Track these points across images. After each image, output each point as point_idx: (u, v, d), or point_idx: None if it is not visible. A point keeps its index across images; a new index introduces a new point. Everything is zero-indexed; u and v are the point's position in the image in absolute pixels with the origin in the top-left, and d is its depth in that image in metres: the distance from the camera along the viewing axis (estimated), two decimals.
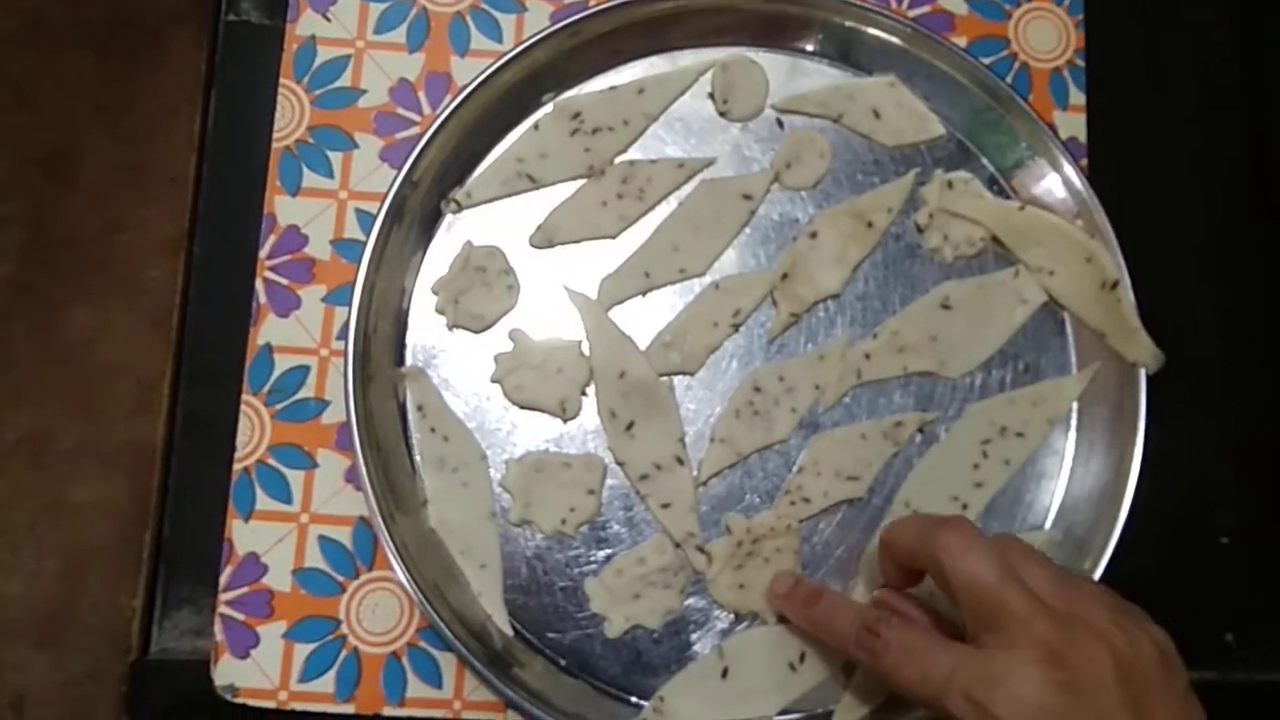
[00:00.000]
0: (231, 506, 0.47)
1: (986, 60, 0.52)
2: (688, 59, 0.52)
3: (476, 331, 0.49)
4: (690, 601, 0.47)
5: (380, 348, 0.48)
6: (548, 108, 0.51)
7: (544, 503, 0.47)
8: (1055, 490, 0.49)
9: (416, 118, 0.50)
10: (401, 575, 0.45)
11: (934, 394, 0.50)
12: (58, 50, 0.52)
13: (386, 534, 0.45)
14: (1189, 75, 0.56)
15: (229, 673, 0.46)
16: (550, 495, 0.48)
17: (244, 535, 0.47)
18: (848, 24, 0.52)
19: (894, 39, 0.52)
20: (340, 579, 0.47)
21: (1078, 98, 0.53)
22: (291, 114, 0.49)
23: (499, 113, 0.51)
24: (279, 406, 0.48)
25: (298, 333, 0.48)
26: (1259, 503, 0.52)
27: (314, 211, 0.49)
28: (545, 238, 0.50)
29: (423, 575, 0.45)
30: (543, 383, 0.49)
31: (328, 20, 0.51)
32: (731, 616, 0.47)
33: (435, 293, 0.49)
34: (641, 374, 0.49)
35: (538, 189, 0.51)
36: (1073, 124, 0.53)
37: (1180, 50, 0.56)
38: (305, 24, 0.50)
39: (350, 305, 0.47)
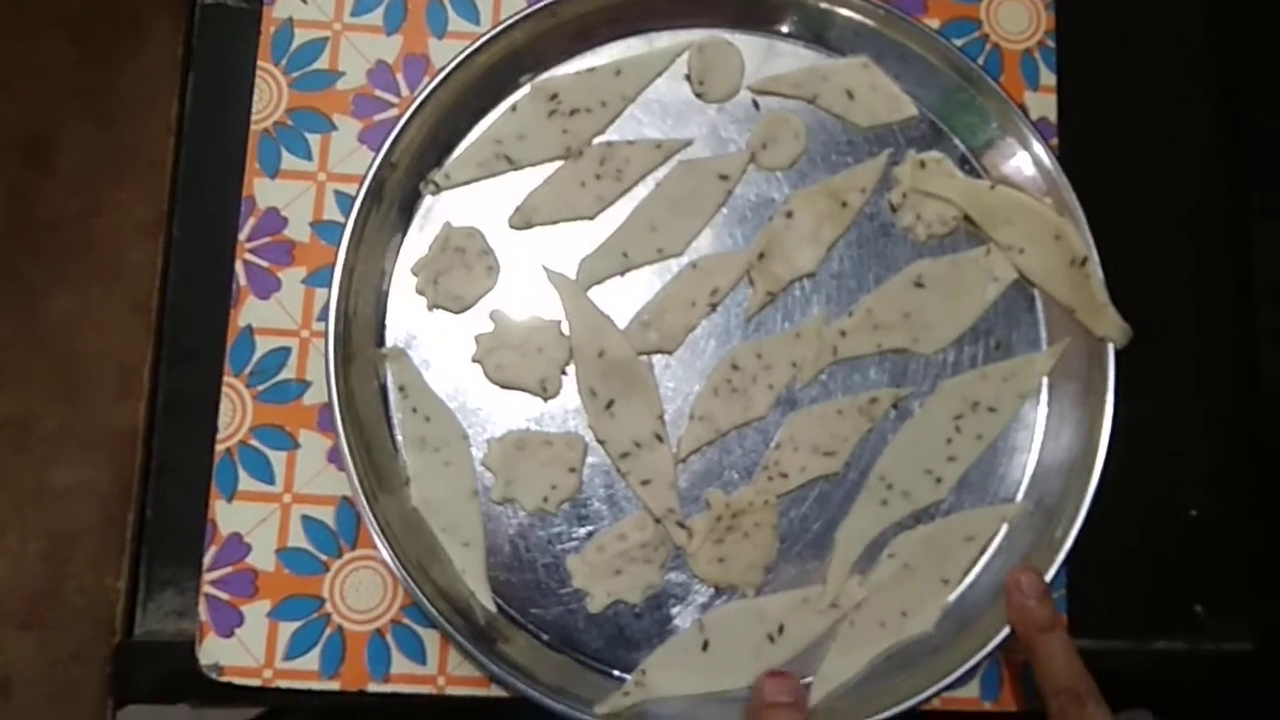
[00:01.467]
0: (214, 487, 0.47)
1: (959, 41, 0.53)
2: (664, 40, 0.53)
3: (456, 312, 0.50)
4: (671, 576, 0.48)
5: (361, 329, 0.48)
6: (525, 89, 0.52)
7: (526, 481, 0.48)
8: (1027, 463, 0.50)
9: (395, 99, 0.50)
10: (385, 554, 0.45)
11: (908, 370, 0.51)
12: (36, 35, 0.51)
13: (370, 513, 0.45)
14: (1160, 55, 0.57)
15: (214, 652, 0.46)
16: (532, 473, 0.48)
17: (227, 515, 0.47)
18: (822, 6, 0.52)
19: (867, 20, 0.52)
20: (323, 558, 0.48)
21: (1048, 78, 0.54)
22: (269, 96, 0.50)
23: (476, 94, 0.51)
24: (260, 388, 0.48)
25: (278, 314, 0.49)
26: (1227, 476, 0.53)
27: (293, 194, 0.49)
28: (524, 219, 0.51)
29: (406, 554, 0.46)
30: (523, 362, 0.49)
31: (305, 3, 0.51)
32: (711, 590, 0.48)
33: (415, 274, 0.50)
34: (620, 353, 0.49)
35: (516, 170, 0.51)
36: (1043, 104, 0.54)
37: (1151, 30, 0.57)
38: (282, 6, 0.51)
39: (330, 287, 0.47)
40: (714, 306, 0.50)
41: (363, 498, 0.45)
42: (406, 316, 0.50)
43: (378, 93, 0.50)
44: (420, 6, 0.51)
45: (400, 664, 0.47)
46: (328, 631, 0.47)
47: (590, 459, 0.49)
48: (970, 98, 0.52)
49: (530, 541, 0.48)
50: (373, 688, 0.47)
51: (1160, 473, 0.53)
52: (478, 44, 0.50)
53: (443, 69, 0.49)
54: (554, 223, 0.51)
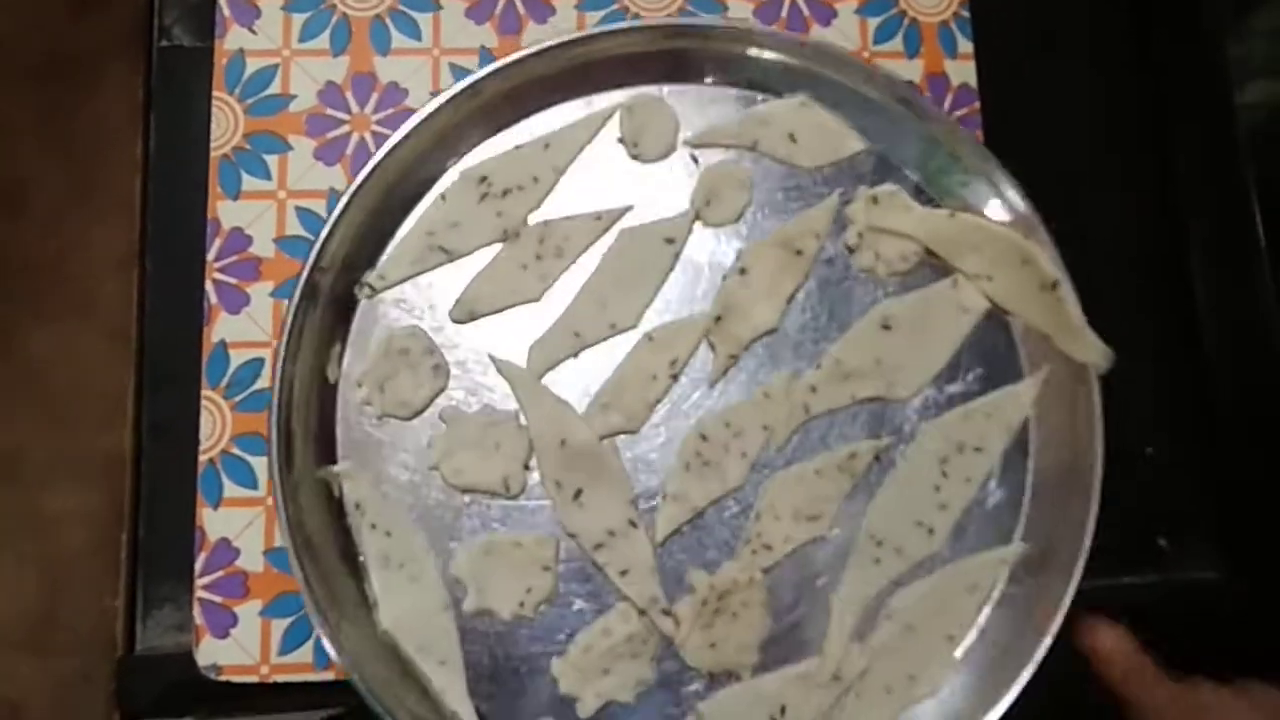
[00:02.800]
0: (200, 496, 0.48)
1: (876, 19, 0.53)
2: (591, 106, 0.51)
3: (407, 418, 0.48)
4: (663, 668, 0.46)
5: (306, 448, 0.47)
6: (453, 175, 0.50)
7: (499, 587, 0.46)
8: (1021, 501, 0.48)
9: (345, 117, 0.51)
10: (360, 687, 0.43)
11: (885, 418, 0.49)
12: (1, 88, 0.53)
13: (336, 646, 0.43)
14: (1073, 11, 0.56)
15: (211, 653, 0.47)
16: (505, 578, 0.46)
17: (214, 522, 0.48)
18: (750, 52, 0.50)
19: (796, 60, 0.50)
20: None
21: (966, 47, 0.54)
22: (227, 124, 0.51)
23: (403, 187, 0.49)
24: (237, 398, 0.49)
25: (250, 327, 0.49)
26: (1177, 412, 0.53)
27: (255, 213, 0.50)
28: (466, 310, 0.49)
29: (378, 681, 0.44)
30: (482, 462, 0.47)
31: (254, 34, 0.52)
32: (706, 677, 0.46)
33: (359, 384, 0.48)
34: (583, 440, 0.47)
35: (453, 260, 0.49)
36: (963, 71, 0.54)
37: None
38: (233, 39, 0.52)
39: (270, 405, 0.46)
40: (675, 378, 0.49)
41: (328, 631, 0.43)
42: (355, 429, 0.48)
43: (329, 111, 0.52)
44: (363, 28, 0.52)
45: None
46: None
47: (564, 555, 0.47)
48: (917, 126, 0.50)
49: (511, 651, 0.46)
50: None
51: (1112, 414, 0.50)
52: (400, 135, 0.48)
53: (365, 167, 0.48)
54: (499, 310, 0.49)
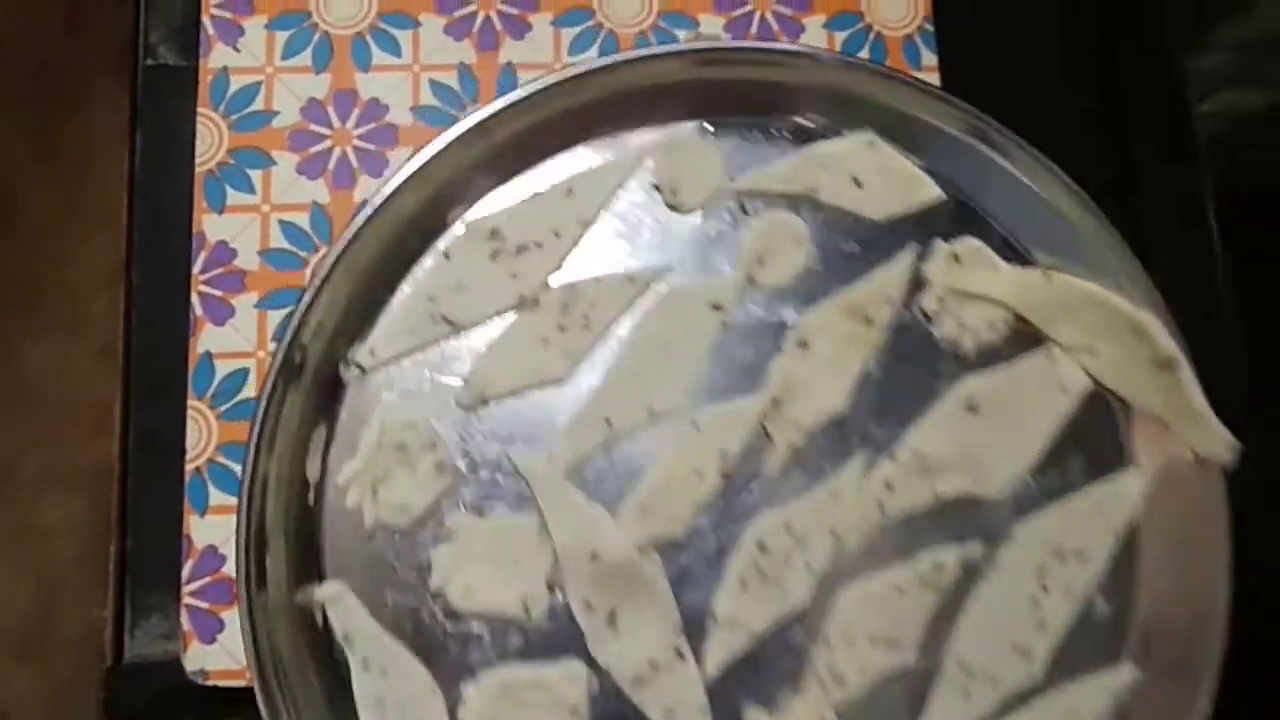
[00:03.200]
0: (187, 504, 0.48)
1: (843, 34, 0.51)
2: (622, 146, 0.44)
3: (405, 527, 0.41)
4: None
5: (284, 564, 0.40)
6: (458, 230, 0.43)
7: None
8: (1131, 619, 0.41)
9: (327, 132, 0.52)
10: None
11: (974, 518, 0.42)
12: None
13: None
14: (1038, 24, 0.54)
15: (198, 658, 0.46)
16: None
17: (201, 530, 0.47)
18: (806, 80, 0.44)
19: (860, 91, 0.44)
20: None
21: (930, 59, 0.53)
22: (211, 140, 0.52)
23: (399, 244, 0.43)
24: (223, 408, 0.49)
25: (234, 339, 0.50)
26: None
27: (240, 226, 0.51)
28: (476, 394, 0.42)
29: None
30: (497, 580, 0.40)
31: (237, 51, 0.53)
32: None
33: (347, 486, 0.41)
34: (617, 551, 0.40)
35: (459, 333, 0.43)
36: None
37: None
38: (217, 57, 0.53)
39: (238, 511, 0.39)
40: (726, 475, 0.41)
41: None
42: (342, 540, 0.41)
43: (312, 127, 0.52)
44: (345, 45, 0.53)
45: None
46: None
47: (596, 693, 0.40)
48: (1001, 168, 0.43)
49: None
50: None
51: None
52: (396, 184, 0.42)
53: (353, 222, 0.41)
54: (515, 393, 0.43)
